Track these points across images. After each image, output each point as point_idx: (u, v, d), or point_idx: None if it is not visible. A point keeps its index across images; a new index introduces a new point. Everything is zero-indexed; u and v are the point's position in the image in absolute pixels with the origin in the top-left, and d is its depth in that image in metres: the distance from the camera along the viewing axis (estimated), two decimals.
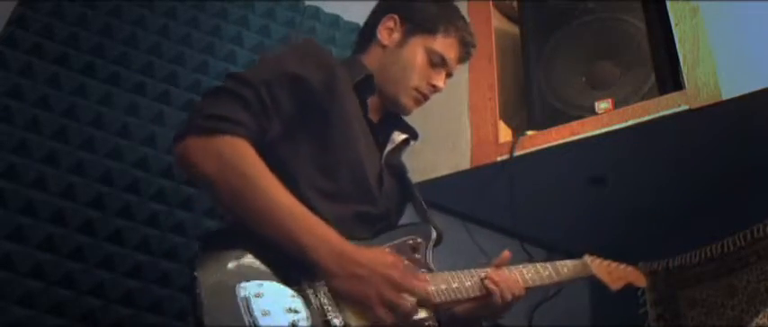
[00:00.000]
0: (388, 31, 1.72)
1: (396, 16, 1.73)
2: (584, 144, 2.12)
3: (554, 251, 2.58)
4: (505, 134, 2.36)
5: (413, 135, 1.77)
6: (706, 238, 2.24)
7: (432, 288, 1.44)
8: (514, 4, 2.61)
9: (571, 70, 2.30)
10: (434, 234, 1.57)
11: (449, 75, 1.76)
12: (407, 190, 1.70)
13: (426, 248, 1.55)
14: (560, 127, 2.18)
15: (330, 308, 1.29)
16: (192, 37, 2.24)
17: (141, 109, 2.08)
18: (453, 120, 2.42)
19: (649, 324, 2.33)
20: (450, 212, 2.45)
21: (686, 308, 2.28)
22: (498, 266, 1.61)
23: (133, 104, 2.08)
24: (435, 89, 1.72)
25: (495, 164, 2.27)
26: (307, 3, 2.48)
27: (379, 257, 1.35)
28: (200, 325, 1.20)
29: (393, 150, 1.70)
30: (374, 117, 1.69)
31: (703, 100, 1.92)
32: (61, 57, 2.03)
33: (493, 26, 2.51)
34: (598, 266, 1.82)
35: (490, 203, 2.40)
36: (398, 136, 1.72)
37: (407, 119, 1.78)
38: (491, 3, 2.57)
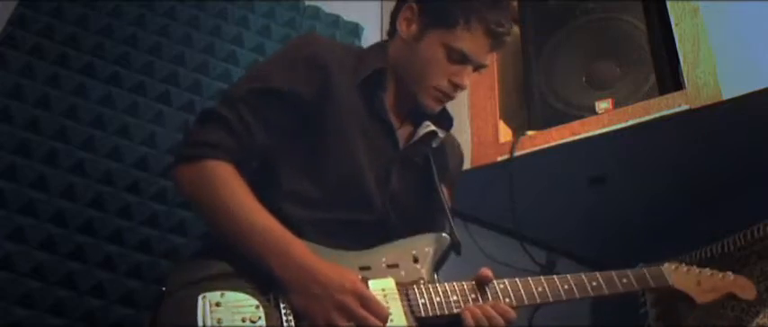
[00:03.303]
0: (407, 22, 1.60)
1: (414, 6, 1.60)
2: (584, 144, 2.12)
3: (554, 252, 2.59)
4: (505, 134, 2.36)
5: (444, 124, 1.65)
6: (706, 238, 2.24)
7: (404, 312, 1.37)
8: (514, 4, 2.61)
9: (571, 70, 2.30)
10: (446, 244, 1.53)
11: (479, 68, 1.61)
12: (432, 187, 1.61)
13: (432, 258, 1.50)
14: (560, 127, 2.18)
15: (290, 319, 1.30)
16: (192, 37, 2.24)
17: (141, 109, 2.08)
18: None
19: (649, 324, 2.33)
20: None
21: (686, 308, 2.27)
22: (478, 283, 1.46)
23: (133, 104, 2.07)
24: (458, 87, 1.59)
25: (496, 164, 2.26)
26: (307, 3, 2.48)
27: (337, 279, 1.33)
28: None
29: (415, 144, 1.61)
30: (401, 110, 1.62)
31: (703, 100, 1.92)
32: (61, 57, 2.02)
33: None
34: (682, 276, 1.63)
35: (490, 203, 2.39)
36: (424, 129, 1.61)
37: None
38: None
